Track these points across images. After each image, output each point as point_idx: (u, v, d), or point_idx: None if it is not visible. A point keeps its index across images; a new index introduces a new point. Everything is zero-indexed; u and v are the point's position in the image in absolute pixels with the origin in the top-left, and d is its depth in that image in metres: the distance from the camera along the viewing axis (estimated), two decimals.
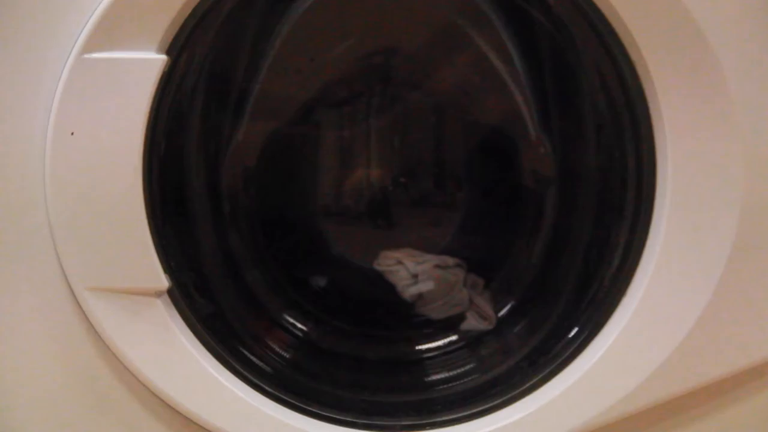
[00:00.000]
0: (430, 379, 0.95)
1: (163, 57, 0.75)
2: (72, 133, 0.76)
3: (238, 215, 0.98)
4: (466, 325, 0.98)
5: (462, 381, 0.92)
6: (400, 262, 1.00)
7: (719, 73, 0.78)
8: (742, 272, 0.80)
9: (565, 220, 0.97)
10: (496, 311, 0.99)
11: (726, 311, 0.81)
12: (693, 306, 0.79)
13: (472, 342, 0.97)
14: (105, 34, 0.77)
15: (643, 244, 0.80)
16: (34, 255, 0.82)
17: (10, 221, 0.82)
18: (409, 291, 0.99)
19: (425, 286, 0.99)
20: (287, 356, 0.95)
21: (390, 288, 1.00)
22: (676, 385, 0.82)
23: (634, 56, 0.81)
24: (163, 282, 0.77)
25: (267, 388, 0.82)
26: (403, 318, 1.01)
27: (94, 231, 0.78)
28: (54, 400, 0.86)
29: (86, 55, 0.76)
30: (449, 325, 0.99)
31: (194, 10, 0.78)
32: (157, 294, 0.78)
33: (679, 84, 0.81)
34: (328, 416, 0.83)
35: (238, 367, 0.82)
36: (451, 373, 0.94)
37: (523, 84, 0.96)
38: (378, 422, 0.84)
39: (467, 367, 0.94)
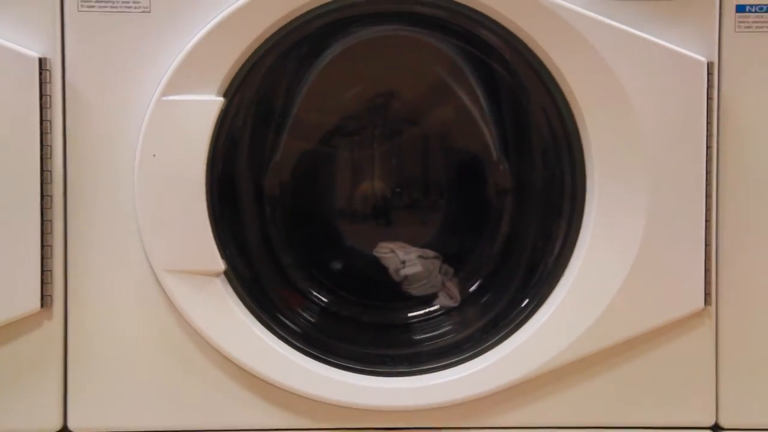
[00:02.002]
0: (416, 338, 1.04)
1: (221, 99, 0.86)
2: (153, 155, 0.85)
3: (275, 215, 1.07)
4: (437, 302, 1.08)
5: (442, 339, 1.00)
6: (393, 251, 1.08)
7: (632, 113, 0.88)
8: (648, 258, 0.90)
9: (518, 220, 1.06)
10: (462, 292, 1.08)
11: (637, 286, 0.90)
12: (614, 282, 0.89)
13: (449, 310, 1.07)
14: (178, 82, 0.87)
15: (576, 237, 0.91)
16: (125, 246, 0.91)
17: (108, 221, 0.91)
18: (398, 273, 1.08)
19: (411, 270, 1.07)
20: (311, 320, 1.04)
21: (384, 270, 1.08)
22: (602, 340, 0.90)
23: (569, 100, 0.92)
24: (221, 265, 0.87)
25: (297, 343, 0.92)
26: (393, 293, 1.09)
27: (170, 228, 0.88)
28: (141, 357, 0.93)
29: (164, 98, 0.87)
30: (426, 300, 1.09)
31: (243, 64, 0.88)
32: (216, 274, 0.88)
33: (602, 120, 0.92)
34: (342, 365, 0.92)
35: (275, 328, 0.92)
36: (432, 333, 1.03)
37: (488, 119, 1.05)
38: (379, 369, 0.93)
39: (445, 329, 1.03)
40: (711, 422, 0.94)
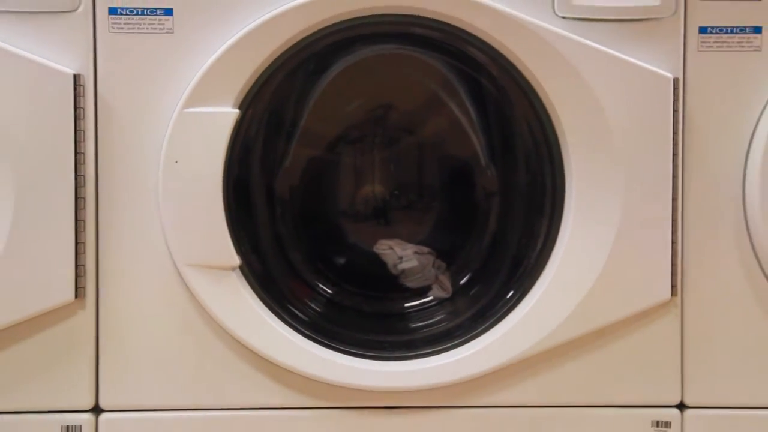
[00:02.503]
0: (412, 326, 1.08)
1: (236, 111, 0.90)
2: (176, 162, 0.90)
3: (285, 215, 1.11)
4: (431, 294, 1.11)
5: (435, 327, 1.05)
6: (391, 248, 1.11)
7: (605, 123, 0.92)
8: (621, 254, 0.93)
9: (504, 220, 1.10)
10: (454, 284, 1.11)
11: (611, 279, 0.93)
12: (590, 275, 0.93)
13: (442, 301, 1.10)
14: (198, 96, 0.91)
15: (556, 235, 0.96)
16: (151, 242, 0.94)
17: (134, 221, 0.94)
18: (396, 268, 1.11)
19: (407, 265, 1.10)
20: (318, 309, 1.07)
21: (383, 265, 1.11)
22: (579, 328, 0.94)
23: (550, 111, 0.96)
24: (236, 260, 0.92)
25: (305, 331, 0.96)
26: (391, 285, 1.12)
27: (190, 226, 0.91)
28: (164, 342, 0.96)
29: (186, 110, 0.91)
30: (421, 291, 1.11)
31: (256, 80, 0.92)
32: (232, 268, 0.92)
33: (579, 129, 0.96)
34: (346, 350, 0.96)
35: (285, 317, 0.96)
36: (427, 322, 1.07)
37: (476, 129, 1.09)
38: (379, 354, 0.97)
39: (438, 318, 1.07)
40: (677, 401, 0.97)
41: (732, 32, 0.92)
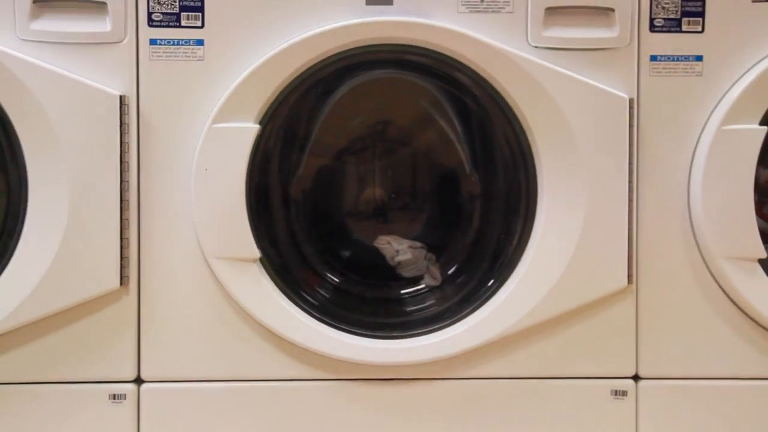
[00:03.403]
0: (407, 309, 1.13)
1: (257, 126, 0.95)
2: (206, 169, 0.94)
3: (299, 214, 1.14)
4: (423, 282, 1.14)
5: (426, 310, 1.10)
6: (389, 243, 1.16)
7: (572, 136, 0.97)
8: (585, 249, 0.97)
9: (485, 219, 1.14)
10: (443, 274, 1.15)
11: (576, 270, 0.97)
12: (558, 267, 0.98)
13: (433, 288, 1.14)
14: (224, 113, 0.96)
15: (530, 233, 1.01)
16: (184, 238, 0.98)
17: (170, 219, 0.98)
18: (393, 260, 1.15)
19: (403, 257, 1.14)
20: (326, 295, 1.12)
21: (382, 257, 1.15)
22: (549, 312, 0.99)
23: (524, 127, 0.99)
24: (257, 254, 0.97)
25: (315, 314, 1.01)
26: (390, 275, 1.15)
27: (218, 224, 0.96)
28: (196, 323, 1.00)
29: (214, 125, 0.97)
30: (414, 280, 1.15)
31: (274, 100, 0.97)
32: (253, 260, 0.97)
33: (549, 142, 0.98)
34: (350, 330, 1.01)
35: (299, 302, 1.01)
36: (420, 306, 1.12)
37: (462, 141, 1.13)
38: (379, 333, 1.02)
39: (429, 302, 1.12)
40: (632, 373, 1.02)
41: (678, 60, 0.98)
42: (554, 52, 0.98)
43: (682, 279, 1.02)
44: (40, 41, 0.94)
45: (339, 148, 1.18)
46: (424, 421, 1.04)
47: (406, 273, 1.16)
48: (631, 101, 0.98)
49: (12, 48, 0.94)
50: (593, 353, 1.02)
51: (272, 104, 0.98)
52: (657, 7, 0.97)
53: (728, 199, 0.97)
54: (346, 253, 1.20)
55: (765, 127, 0.95)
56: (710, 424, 1.04)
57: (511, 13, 0.96)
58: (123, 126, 0.96)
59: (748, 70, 0.98)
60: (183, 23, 0.95)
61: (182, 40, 0.95)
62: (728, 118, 0.96)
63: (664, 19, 0.97)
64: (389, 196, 1.20)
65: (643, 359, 1.03)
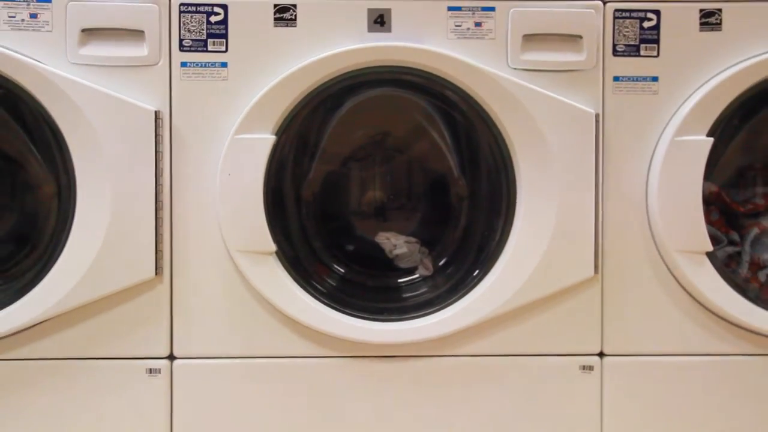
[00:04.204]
0: (403, 296, 1.15)
1: (273, 137, 1.00)
2: (229, 174, 0.98)
3: (309, 213, 1.17)
4: (417, 272, 1.16)
5: (420, 297, 1.13)
6: (388, 238, 1.18)
7: (546, 147, 1.01)
8: (557, 244, 1.02)
9: (471, 218, 1.16)
10: (434, 265, 1.17)
11: (549, 262, 1.02)
12: (534, 259, 1.02)
13: (425, 278, 1.16)
14: (245, 126, 0.99)
15: (510, 229, 1.05)
16: (210, 234, 1.02)
17: (198, 218, 1.02)
18: (391, 253, 1.17)
19: (400, 251, 1.17)
20: (333, 284, 1.14)
21: (382, 251, 1.18)
22: (526, 298, 1.03)
23: (505, 137, 1.03)
24: (273, 247, 1.01)
25: (323, 300, 1.05)
26: (388, 266, 1.17)
27: (239, 222, 1.00)
28: (220, 308, 1.04)
29: (236, 136, 0.99)
30: (410, 270, 1.16)
31: (288, 114, 1.01)
32: (270, 253, 1.02)
33: (526, 151, 1.02)
34: (354, 314, 1.06)
35: (310, 290, 1.06)
36: (414, 293, 1.15)
37: (451, 150, 1.15)
38: (378, 317, 1.06)
39: (422, 290, 1.15)
40: (598, 350, 1.07)
41: (637, 80, 1.02)
42: (530, 73, 1.02)
43: (641, 269, 1.06)
44: (87, 64, 0.99)
45: (344, 155, 1.20)
46: (417, 392, 1.07)
47: (403, 264, 1.18)
48: (597, 116, 1.02)
49: (64, 71, 0.98)
50: (564, 333, 1.06)
51: (286, 118, 1.02)
52: (619, 34, 1.02)
53: (680, 200, 1.01)
54: (350, 247, 1.22)
55: (711, 139, 0.99)
56: (664, 393, 1.08)
57: (494, 39, 1.01)
58: (158, 137, 1.00)
59: (697, 89, 1.02)
60: (209, 48, 1.00)
61: (209, 62, 1.00)
62: (680, 131, 1.01)
63: (625, 45, 1.02)
64: (388, 198, 1.22)
65: (607, 338, 1.07)
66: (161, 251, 1.01)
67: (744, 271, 1.10)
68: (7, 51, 0.97)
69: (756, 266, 1.11)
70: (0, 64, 0.97)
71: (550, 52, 1.02)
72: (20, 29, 0.98)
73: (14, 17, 0.97)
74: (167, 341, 1.04)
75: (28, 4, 0.97)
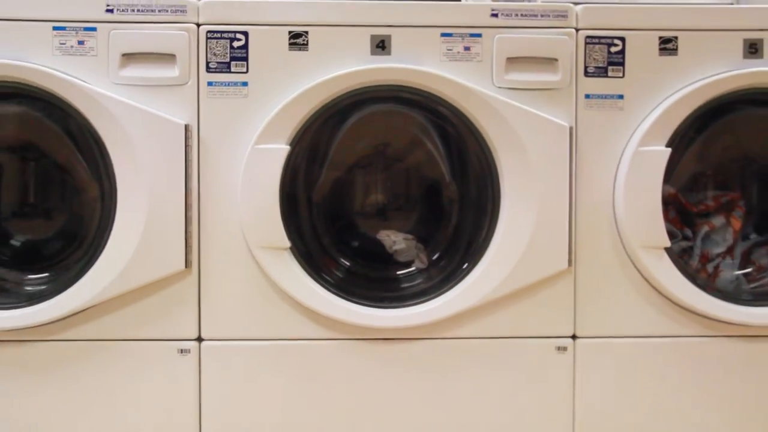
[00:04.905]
0: (402, 286, 1.19)
1: (288, 147, 1.05)
2: (249, 180, 1.02)
3: (320, 214, 1.19)
4: (414, 265, 1.19)
5: (416, 287, 1.16)
6: (388, 236, 1.21)
7: (526, 156, 1.06)
8: (536, 241, 1.07)
9: (461, 217, 1.19)
10: (429, 259, 1.19)
11: (529, 256, 1.06)
12: (516, 253, 1.08)
13: (421, 270, 1.19)
14: (264, 137, 1.05)
15: (495, 228, 1.10)
16: (233, 232, 1.07)
17: (223, 217, 1.07)
18: (391, 248, 1.21)
19: (398, 246, 1.20)
20: (340, 276, 1.18)
21: (383, 246, 1.21)
22: (509, 288, 1.08)
23: (491, 148, 1.08)
24: (287, 243, 1.07)
25: (332, 290, 1.10)
26: (388, 260, 1.20)
27: (258, 222, 1.05)
28: (242, 297, 1.09)
29: (256, 146, 1.05)
30: (407, 264, 1.19)
31: (301, 127, 1.06)
32: (285, 249, 1.07)
33: (509, 160, 1.07)
34: (358, 302, 1.10)
35: (320, 280, 1.11)
36: (411, 283, 1.18)
37: (443, 158, 1.18)
38: (379, 305, 1.11)
39: (418, 281, 1.18)
40: (571, 333, 1.12)
41: (605, 98, 1.09)
42: (513, 91, 1.08)
43: (609, 263, 1.12)
44: (126, 84, 1.06)
45: (350, 163, 1.23)
46: (414, 369, 1.12)
47: (401, 258, 1.21)
48: (571, 129, 1.08)
49: (107, 89, 1.05)
50: (542, 318, 1.12)
51: (300, 130, 1.07)
52: (589, 58, 1.09)
53: (642, 202, 1.07)
54: (355, 243, 1.25)
55: (669, 149, 1.06)
56: (627, 370, 1.14)
57: (481, 61, 1.08)
58: (187, 147, 1.06)
59: (657, 105, 1.09)
60: (232, 69, 1.06)
61: (231, 82, 1.06)
62: (642, 142, 1.08)
63: (595, 67, 1.09)
64: (388, 200, 1.26)
65: (579, 323, 1.13)
66: (190, 247, 1.07)
67: (695, 262, 1.17)
68: (58, 73, 1.04)
69: (705, 259, 1.19)
70: (52, 85, 1.04)
71: (529, 73, 1.09)
72: (69, 54, 1.05)
73: (64, 44, 1.04)
74: (196, 325, 1.10)
75: (76, 33, 1.04)
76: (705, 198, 1.22)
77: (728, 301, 1.11)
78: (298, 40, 1.06)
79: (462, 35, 1.07)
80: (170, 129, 1.05)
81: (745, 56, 1.10)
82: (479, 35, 1.07)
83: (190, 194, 1.06)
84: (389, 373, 1.12)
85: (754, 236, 1.24)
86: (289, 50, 1.06)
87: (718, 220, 1.20)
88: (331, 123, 1.13)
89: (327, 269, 1.17)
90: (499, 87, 1.07)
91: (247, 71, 1.06)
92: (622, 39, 1.08)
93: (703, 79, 1.08)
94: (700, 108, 1.09)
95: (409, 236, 1.22)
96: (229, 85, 1.05)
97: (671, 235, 1.12)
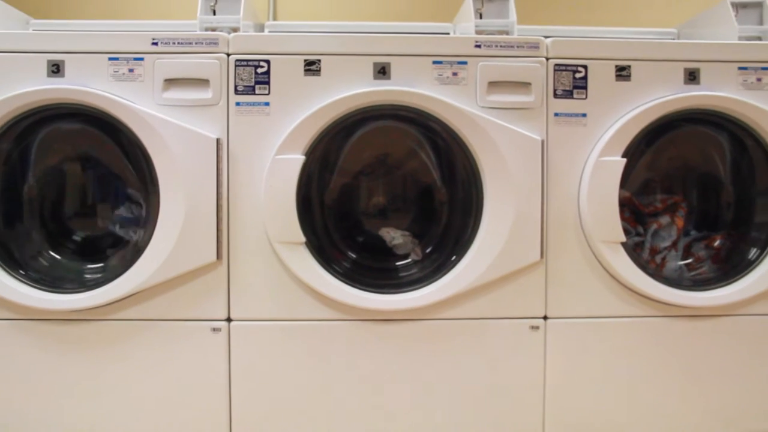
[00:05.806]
0: (400, 275, 1.26)
1: (303, 157, 1.13)
2: (271, 185, 1.09)
3: (330, 214, 1.27)
4: (410, 257, 1.26)
5: (412, 275, 1.24)
6: (388, 232, 1.28)
7: (505, 165, 1.14)
8: (514, 237, 1.13)
9: (450, 217, 1.26)
10: (423, 252, 1.26)
11: (508, 250, 1.13)
12: (497, 247, 1.15)
13: (416, 261, 1.27)
14: (283, 148, 1.12)
15: (479, 226, 1.17)
16: (257, 229, 1.14)
17: (248, 217, 1.14)
18: (391, 243, 1.28)
19: (397, 242, 1.27)
20: (348, 266, 1.25)
21: (383, 241, 1.28)
22: (490, 277, 1.15)
23: (476, 158, 1.15)
24: (303, 239, 1.15)
25: (341, 278, 1.18)
26: (388, 253, 1.27)
27: (278, 220, 1.13)
28: (265, 285, 1.15)
29: (276, 156, 1.13)
30: (404, 256, 1.26)
31: (314, 140, 1.14)
32: (301, 244, 1.15)
33: (491, 168, 1.14)
34: (363, 288, 1.18)
35: (330, 270, 1.18)
36: (408, 273, 1.26)
37: (435, 166, 1.26)
38: (381, 291, 1.19)
39: (414, 270, 1.26)
40: (543, 314, 1.21)
41: (571, 116, 1.19)
42: (493, 110, 1.17)
43: (575, 255, 1.21)
44: (168, 105, 1.16)
45: (355, 171, 1.30)
46: (410, 346, 1.21)
47: (399, 251, 1.28)
48: (542, 142, 1.18)
49: (152, 109, 1.15)
50: (518, 302, 1.21)
51: (313, 143, 1.16)
52: (558, 82, 1.19)
53: (602, 204, 1.15)
54: (360, 239, 1.31)
55: (624, 159, 1.16)
56: (590, 345, 1.23)
57: (466, 85, 1.17)
58: (218, 158, 1.16)
59: (614, 122, 1.19)
60: (256, 92, 1.16)
61: (256, 102, 1.16)
62: (602, 153, 1.17)
63: (563, 89, 1.19)
64: (388, 202, 1.32)
65: (550, 306, 1.22)
66: (221, 241, 1.17)
67: (646, 255, 1.28)
68: (111, 96, 1.14)
69: (654, 251, 1.30)
70: (108, 106, 1.14)
71: (507, 95, 1.18)
72: (121, 80, 1.15)
73: (117, 71, 1.15)
74: (225, 307, 1.19)
75: (127, 62, 1.15)
76: (654, 200, 1.31)
77: (672, 287, 1.21)
78: (312, 66, 1.15)
79: (451, 63, 1.16)
80: (204, 142, 1.14)
81: (685, 82, 1.20)
82: (465, 62, 1.17)
83: (221, 197, 1.16)
84: (389, 348, 1.20)
85: (694, 232, 1.33)
86: (305, 75, 1.16)
87: (665, 219, 1.30)
88: (340, 137, 1.21)
89: (336, 261, 1.24)
90: (482, 106, 1.17)
91: (269, 93, 1.16)
92: (585, 67, 1.18)
93: (652, 101, 1.18)
94: (649, 125, 1.18)
95: (406, 233, 1.28)
96: (253, 105, 1.15)
97: (626, 232, 1.21)
